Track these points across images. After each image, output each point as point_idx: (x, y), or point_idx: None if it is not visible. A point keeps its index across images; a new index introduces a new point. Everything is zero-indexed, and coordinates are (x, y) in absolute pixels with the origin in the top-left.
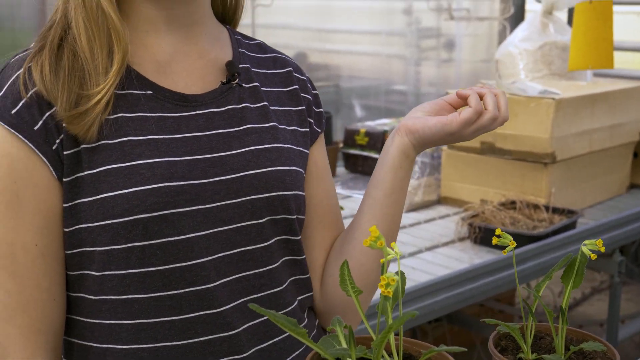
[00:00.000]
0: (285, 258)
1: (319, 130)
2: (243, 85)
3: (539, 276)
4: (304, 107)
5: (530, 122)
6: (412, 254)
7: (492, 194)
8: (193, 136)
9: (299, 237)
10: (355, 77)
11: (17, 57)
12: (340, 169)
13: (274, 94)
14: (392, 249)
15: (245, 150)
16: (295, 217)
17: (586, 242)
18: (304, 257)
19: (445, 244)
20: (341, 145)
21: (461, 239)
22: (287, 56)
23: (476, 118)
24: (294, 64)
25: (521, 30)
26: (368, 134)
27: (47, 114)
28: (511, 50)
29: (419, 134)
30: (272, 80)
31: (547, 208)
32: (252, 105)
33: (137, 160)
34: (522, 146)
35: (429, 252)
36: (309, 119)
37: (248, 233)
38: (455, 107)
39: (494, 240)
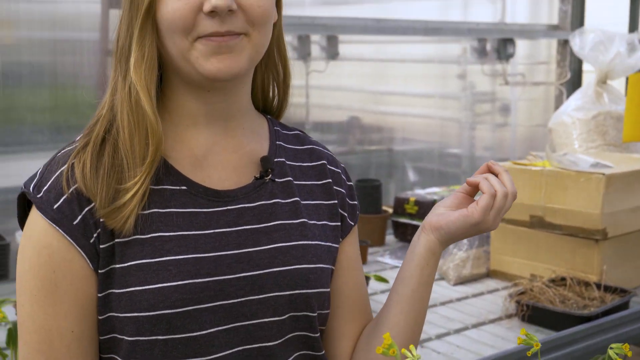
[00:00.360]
0: (300, 353)
1: (352, 224)
2: (276, 180)
3: (590, 358)
4: (335, 202)
5: (580, 197)
6: (457, 331)
7: (542, 269)
8: (222, 232)
9: (318, 334)
10: (408, 140)
11: (63, 151)
12: (390, 237)
13: (307, 187)
14: (411, 352)
15: (272, 247)
16: (316, 314)
17: (613, 345)
18: (322, 353)
19: (493, 320)
20: (391, 213)
21: (509, 316)
22: (324, 147)
23: (492, 202)
24: (329, 156)
25: (575, 99)
26: (418, 202)
27: (86, 209)
28: (564, 120)
29: (444, 230)
30: (307, 173)
31: (598, 286)
32: (282, 201)
33: (166, 257)
34: (573, 221)
35: (475, 330)
36: (342, 212)
37: (269, 329)
38: (472, 196)
39: (519, 341)
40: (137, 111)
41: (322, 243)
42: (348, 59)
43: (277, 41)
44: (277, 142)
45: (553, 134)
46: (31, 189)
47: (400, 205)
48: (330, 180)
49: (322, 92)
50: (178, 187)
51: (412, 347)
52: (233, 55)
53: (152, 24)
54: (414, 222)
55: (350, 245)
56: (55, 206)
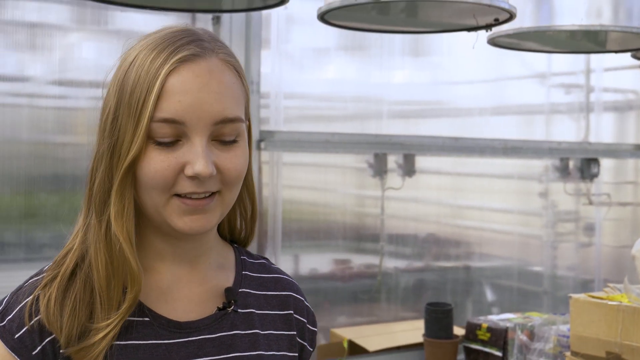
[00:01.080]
0: None
1: (311, 350)
2: (238, 310)
3: None
4: (294, 333)
5: None
6: None
7: None
8: None
9: None
10: (486, 256)
11: (31, 280)
12: None
13: (269, 317)
14: None
15: None
16: None
17: None
18: None
19: None
20: (462, 337)
21: None
22: (288, 275)
23: None
24: (293, 286)
25: None
26: (490, 329)
27: (47, 340)
28: None
29: None
30: (270, 302)
31: None
32: (242, 332)
33: None
34: None
35: None
36: (301, 341)
37: None
38: None
39: None
40: (118, 259)
41: None
42: (425, 171)
43: (246, 182)
44: (244, 272)
45: (637, 262)
46: None
47: (472, 330)
48: (292, 311)
49: (397, 203)
50: (141, 319)
51: None
52: (206, 216)
53: (132, 177)
54: (486, 349)
55: None
56: (17, 336)
